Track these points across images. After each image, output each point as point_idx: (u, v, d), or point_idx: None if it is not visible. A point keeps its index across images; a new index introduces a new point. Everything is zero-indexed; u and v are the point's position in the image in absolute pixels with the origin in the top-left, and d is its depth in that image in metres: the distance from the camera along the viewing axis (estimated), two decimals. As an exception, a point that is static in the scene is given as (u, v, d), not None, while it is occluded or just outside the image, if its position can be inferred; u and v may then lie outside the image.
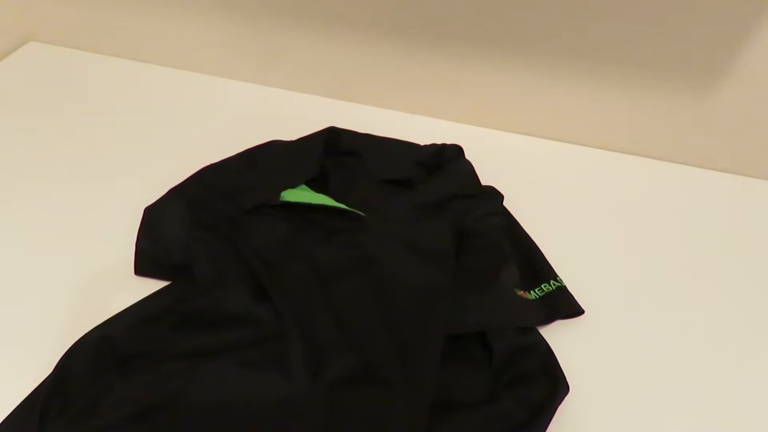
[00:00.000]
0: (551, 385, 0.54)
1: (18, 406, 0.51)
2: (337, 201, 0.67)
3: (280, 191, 0.67)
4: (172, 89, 0.89)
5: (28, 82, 0.89)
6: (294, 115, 0.86)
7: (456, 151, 0.76)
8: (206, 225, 0.65)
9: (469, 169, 0.74)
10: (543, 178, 0.79)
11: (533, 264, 0.65)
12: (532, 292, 0.62)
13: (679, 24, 0.71)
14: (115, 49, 0.95)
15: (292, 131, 0.77)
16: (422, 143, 0.78)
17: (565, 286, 0.63)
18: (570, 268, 0.66)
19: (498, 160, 0.79)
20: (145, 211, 0.67)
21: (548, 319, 0.61)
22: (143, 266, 0.63)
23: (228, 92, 0.90)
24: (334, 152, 0.75)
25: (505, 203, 0.71)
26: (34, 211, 0.69)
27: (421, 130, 0.83)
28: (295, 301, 0.58)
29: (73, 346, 0.53)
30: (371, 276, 0.60)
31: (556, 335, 0.60)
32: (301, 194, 0.67)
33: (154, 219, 0.66)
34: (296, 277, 0.60)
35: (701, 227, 0.74)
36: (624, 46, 0.75)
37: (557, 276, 0.64)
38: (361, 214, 0.66)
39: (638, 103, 0.80)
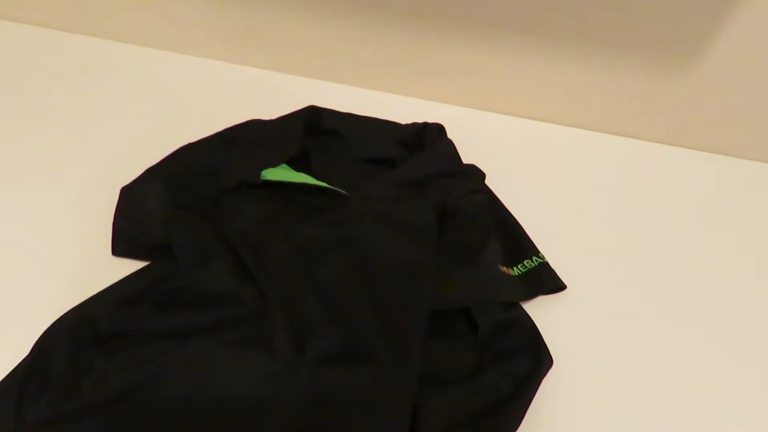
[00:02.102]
0: (535, 358, 0.55)
1: (-6, 389, 0.49)
2: (319, 180, 0.66)
3: (261, 170, 0.66)
4: (147, 69, 0.87)
5: (-4, 61, 0.86)
6: (273, 96, 0.84)
7: (437, 130, 0.75)
8: (185, 204, 0.64)
9: (450, 148, 0.73)
10: (523, 157, 0.79)
11: (515, 240, 0.65)
12: (515, 268, 0.62)
13: (659, 2, 0.72)
14: (86, 28, 0.92)
15: (271, 111, 0.76)
16: (403, 123, 0.78)
17: (547, 262, 0.64)
18: (551, 244, 0.66)
19: (479, 139, 0.79)
20: (121, 190, 0.65)
21: (531, 295, 0.61)
22: (121, 246, 0.62)
23: (205, 72, 0.88)
24: (314, 131, 0.74)
25: (486, 182, 0.71)
26: (4, 192, 0.67)
27: (402, 110, 0.83)
28: (279, 280, 0.57)
29: (50, 327, 0.53)
30: (354, 254, 0.60)
31: (540, 310, 0.60)
32: (281, 173, 0.66)
33: (132, 198, 0.65)
34: (279, 255, 0.59)
35: (679, 204, 0.75)
36: (604, 26, 0.75)
37: (539, 252, 0.64)
38: (343, 192, 0.65)
39: (618, 82, 0.80)
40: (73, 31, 0.93)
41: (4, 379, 0.50)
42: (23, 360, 0.51)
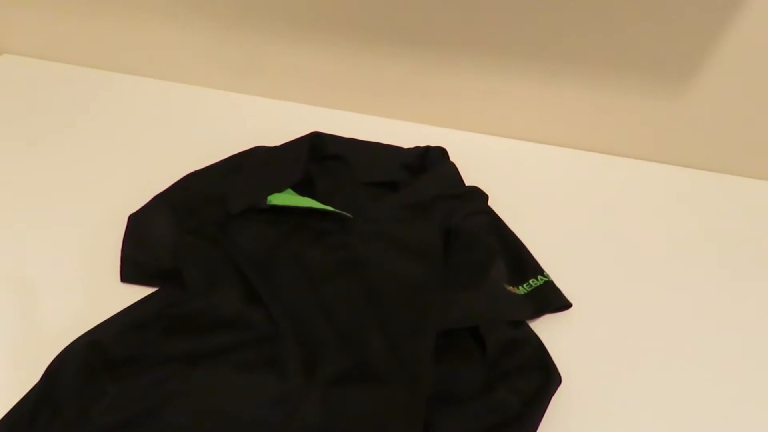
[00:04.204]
0: (544, 376, 0.55)
1: (6, 415, 0.49)
2: (324, 204, 0.67)
3: (267, 195, 0.66)
4: (151, 99, 0.89)
5: (2, 94, 0.87)
6: (276, 123, 0.86)
7: (440, 153, 0.76)
8: (193, 230, 0.64)
9: (453, 171, 0.74)
10: (525, 178, 0.81)
11: (520, 260, 0.66)
12: (520, 287, 0.63)
13: (652, 25, 0.73)
14: (91, 60, 0.94)
15: (274, 139, 0.78)
16: (406, 147, 0.79)
17: (552, 281, 0.64)
18: (555, 263, 0.67)
19: (481, 161, 0.81)
20: (129, 218, 0.66)
21: (537, 313, 0.62)
22: (129, 273, 0.62)
23: (208, 101, 0.89)
24: (318, 156, 0.75)
25: (489, 203, 0.72)
26: (12, 222, 0.68)
27: (404, 134, 0.84)
28: (287, 304, 0.58)
29: (60, 353, 0.53)
30: (361, 276, 0.60)
31: (546, 328, 0.61)
32: (287, 198, 0.67)
33: (140, 225, 0.65)
34: (287, 279, 0.60)
35: (678, 222, 0.76)
36: (600, 49, 0.77)
37: (544, 271, 0.65)
38: (348, 215, 0.66)
39: (615, 104, 0.82)
40: (78, 63, 0.95)
41: (15, 406, 0.50)
42: (34, 387, 0.51)
